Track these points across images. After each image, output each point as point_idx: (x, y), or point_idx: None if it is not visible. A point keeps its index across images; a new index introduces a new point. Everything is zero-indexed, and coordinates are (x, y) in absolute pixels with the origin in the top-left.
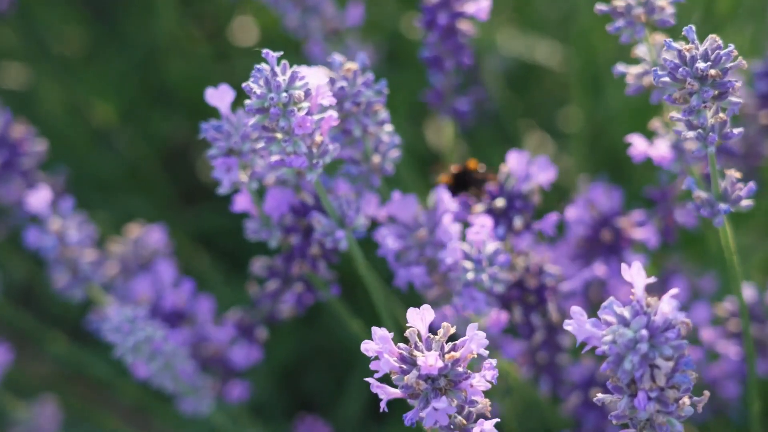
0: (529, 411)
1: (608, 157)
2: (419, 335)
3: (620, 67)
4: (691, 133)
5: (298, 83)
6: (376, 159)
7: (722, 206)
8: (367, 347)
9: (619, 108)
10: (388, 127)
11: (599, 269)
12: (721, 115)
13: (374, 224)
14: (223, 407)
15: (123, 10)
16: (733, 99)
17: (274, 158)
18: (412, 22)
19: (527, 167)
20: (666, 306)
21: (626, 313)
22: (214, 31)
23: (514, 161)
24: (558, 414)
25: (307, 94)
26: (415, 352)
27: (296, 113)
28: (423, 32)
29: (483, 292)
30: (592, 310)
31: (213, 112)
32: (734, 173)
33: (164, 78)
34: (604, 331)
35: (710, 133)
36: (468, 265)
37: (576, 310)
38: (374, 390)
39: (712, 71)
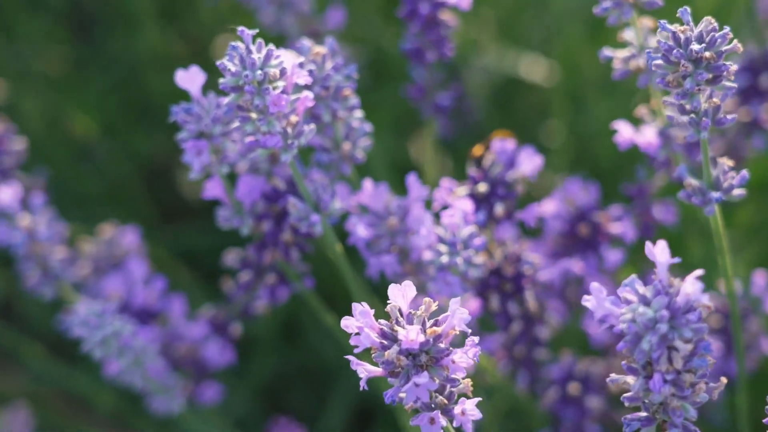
0: (510, 413)
1: (591, 173)
2: (400, 311)
3: (607, 51)
4: (684, 118)
5: (274, 62)
6: (346, 146)
7: (714, 194)
8: (348, 323)
9: (603, 123)
10: (358, 113)
11: (577, 265)
12: (714, 99)
13: (345, 216)
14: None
15: (105, 27)
16: (727, 83)
17: (249, 138)
18: (396, 37)
19: (513, 156)
20: (690, 287)
21: (648, 292)
22: (198, 50)
23: (500, 149)
24: (536, 410)
25: (283, 73)
26: (396, 327)
27: (271, 91)
28: (404, 23)
29: (457, 276)
30: (570, 309)
31: None
32: (726, 161)
33: (146, 95)
34: (623, 309)
35: (704, 118)
36: (442, 248)
37: (596, 286)
38: (354, 367)
39: (707, 53)
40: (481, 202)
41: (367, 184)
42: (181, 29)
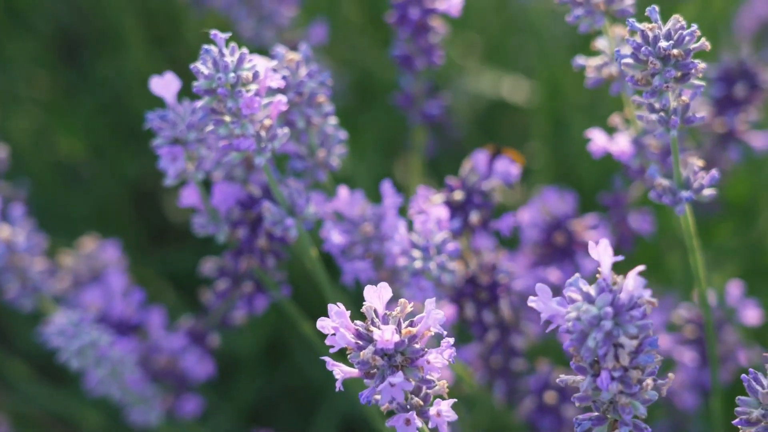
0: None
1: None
2: (376, 312)
3: (580, 60)
4: (653, 116)
5: (247, 65)
6: (321, 153)
7: (684, 194)
8: (323, 324)
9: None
10: (333, 120)
11: (553, 274)
12: (683, 98)
13: (320, 224)
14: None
15: (93, 52)
16: (696, 82)
17: (222, 142)
18: (383, 61)
19: (490, 165)
20: (632, 282)
21: (591, 290)
22: (185, 72)
23: (477, 159)
24: (514, 421)
25: (256, 76)
26: (372, 328)
27: (244, 94)
28: (394, 28)
29: (431, 282)
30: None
31: None
32: (697, 161)
33: (134, 119)
34: (569, 308)
35: (672, 116)
36: (415, 253)
37: (541, 287)
38: (330, 368)
39: (675, 51)
40: (457, 210)
41: (343, 191)
42: (168, 53)
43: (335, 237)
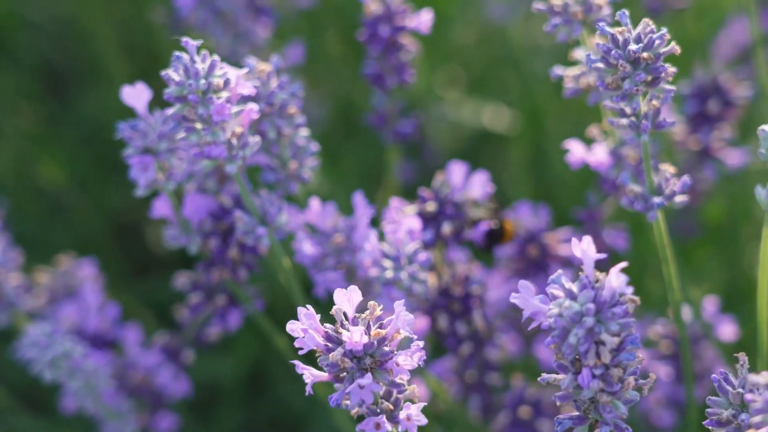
0: None
1: (554, 222)
2: (345, 315)
3: (558, 70)
4: (624, 121)
5: (218, 72)
6: (293, 165)
7: (656, 200)
8: (293, 327)
9: (565, 172)
10: (304, 132)
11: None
12: (654, 102)
13: (292, 237)
14: None
15: (78, 85)
16: (666, 86)
17: (194, 150)
18: (365, 91)
19: (464, 179)
20: (615, 279)
21: (574, 287)
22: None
23: (451, 171)
24: None
25: (227, 83)
26: (341, 330)
27: (215, 100)
28: (365, 46)
29: (402, 291)
30: (525, 340)
31: None
32: (668, 168)
33: (117, 152)
34: (551, 304)
35: (643, 121)
36: (386, 263)
37: (524, 284)
38: (299, 371)
39: (645, 54)
40: (430, 221)
41: (314, 202)
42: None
43: (307, 248)
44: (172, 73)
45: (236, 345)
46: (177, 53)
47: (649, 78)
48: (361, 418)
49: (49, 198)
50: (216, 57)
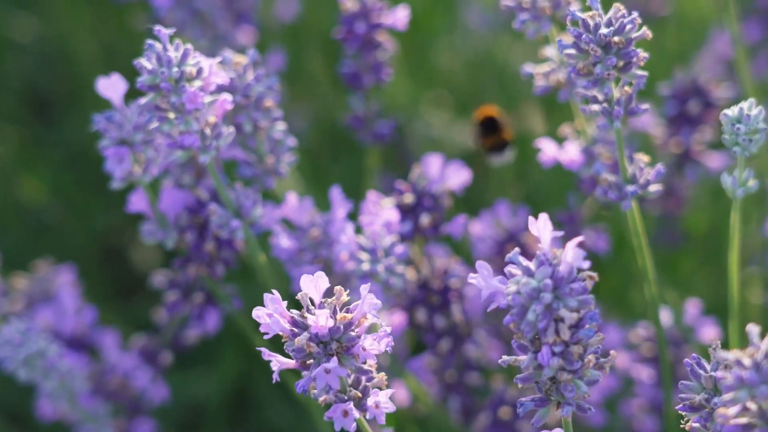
0: None
1: None
2: (312, 301)
3: (528, 67)
4: (596, 107)
5: (191, 60)
6: (270, 160)
7: (630, 188)
8: (259, 313)
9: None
10: (281, 126)
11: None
12: (626, 88)
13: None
14: None
15: (63, 107)
16: (638, 72)
17: (167, 140)
18: (347, 109)
19: (441, 170)
20: (571, 254)
21: (531, 265)
22: None
23: (428, 163)
24: None
25: (200, 71)
26: (307, 314)
27: (188, 88)
28: (342, 44)
29: (379, 284)
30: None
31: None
32: (642, 157)
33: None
34: (508, 282)
35: (615, 107)
36: (363, 256)
37: (481, 264)
38: (266, 358)
39: (616, 38)
40: (407, 213)
41: (291, 197)
42: None
43: (284, 241)
44: (145, 62)
45: (220, 363)
46: (150, 41)
47: (621, 63)
48: (329, 407)
49: (33, 219)
50: (189, 46)
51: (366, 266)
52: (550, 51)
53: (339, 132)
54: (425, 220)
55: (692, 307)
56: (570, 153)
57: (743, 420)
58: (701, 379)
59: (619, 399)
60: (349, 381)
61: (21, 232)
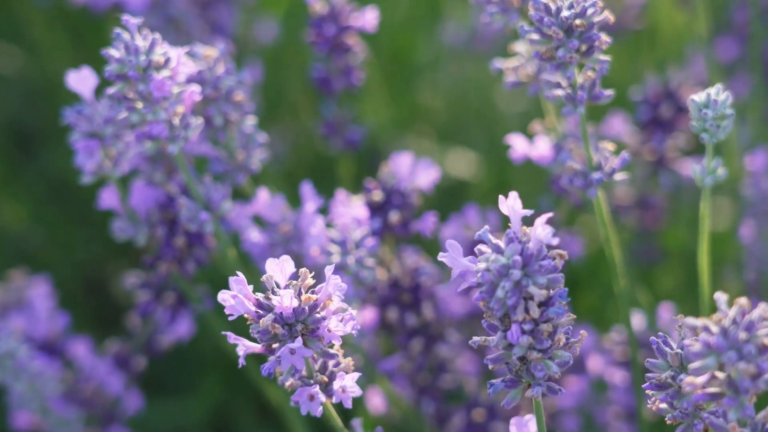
0: None
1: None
2: (277, 284)
3: (497, 63)
4: (559, 92)
5: (159, 50)
6: (241, 155)
7: (595, 175)
8: (224, 296)
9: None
10: (251, 120)
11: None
12: (589, 73)
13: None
14: None
15: (46, 141)
16: (601, 57)
17: (136, 131)
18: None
19: (410, 168)
20: (540, 231)
21: (501, 242)
22: None
23: (397, 161)
24: None
25: (168, 61)
26: (271, 296)
27: (155, 76)
28: (312, 48)
29: (349, 276)
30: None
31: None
32: (608, 146)
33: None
34: (478, 259)
35: (579, 92)
36: (333, 248)
37: (451, 243)
38: (231, 341)
39: (578, 21)
40: (377, 210)
41: (262, 193)
42: None
43: (254, 235)
44: (113, 51)
45: (200, 391)
46: (118, 31)
47: (584, 47)
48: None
49: (13, 247)
50: (158, 35)
51: (336, 258)
52: (519, 46)
53: (318, 157)
54: (394, 217)
55: (665, 310)
56: (540, 148)
57: (712, 389)
58: (667, 356)
59: (595, 406)
60: (316, 366)
61: (1, 263)
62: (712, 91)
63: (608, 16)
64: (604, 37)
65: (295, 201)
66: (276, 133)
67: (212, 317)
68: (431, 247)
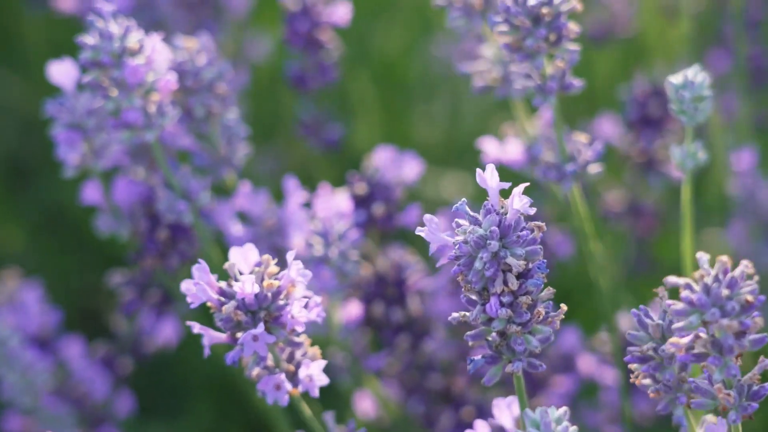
0: None
1: None
2: (240, 272)
3: (464, 67)
4: (529, 83)
5: (133, 36)
6: (223, 149)
7: (569, 167)
8: (187, 285)
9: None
10: (234, 112)
11: None
12: (559, 63)
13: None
14: None
15: (41, 174)
16: (570, 47)
17: (112, 120)
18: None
19: (394, 162)
20: (517, 201)
21: (479, 215)
22: None
23: (381, 155)
24: None
25: (142, 48)
26: (233, 283)
27: (129, 62)
28: (287, 45)
29: (333, 269)
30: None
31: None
32: (581, 137)
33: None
34: (456, 231)
35: (549, 82)
36: (315, 240)
37: (429, 217)
38: (196, 331)
39: (545, 10)
40: (361, 203)
41: (245, 186)
42: None
43: (236, 228)
44: (87, 38)
45: (191, 413)
46: (92, 17)
47: (552, 37)
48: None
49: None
50: (133, 22)
51: (318, 250)
52: (486, 51)
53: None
54: (378, 209)
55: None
56: (511, 152)
57: (696, 351)
58: (648, 328)
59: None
60: (283, 356)
61: None
62: (689, 72)
63: (576, 4)
64: (572, 26)
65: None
66: (271, 157)
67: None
68: (417, 246)
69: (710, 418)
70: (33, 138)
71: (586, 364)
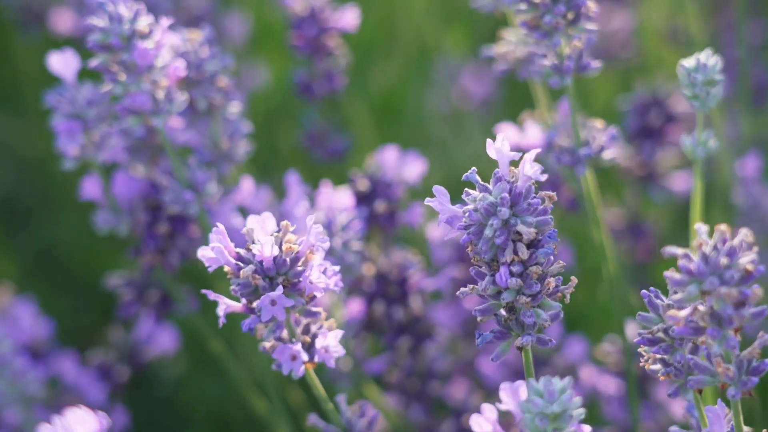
0: None
1: None
2: (257, 240)
3: (487, 50)
4: (546, 62)
5: (143, 20)
6: (225, 144)
7: (583, 151)
8: (204, 252)
9: None
10: (236, 106)
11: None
12: (576, 43)
13: None
14: None
15: (34, 210)
16: (588, 26)
17: (119, 106)
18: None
19: (396, 161)
20: (528, 168)
21: (489, 184)
22: None
23: (384, 154)
24: None
25: (152, 32)
26: (251, 246)
27: (139, 44)
28: (293, 52)
29: (335, 259)
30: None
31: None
32: (597, 123)
33: (72, 274)
34: (466, 199)
35: (566, 61)
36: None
37: (438, 188)
38: (212, 298)
39: None
40: (363, 200)
41: (247, 182)
42: None
43: (237, 222)
44: (96, 20)
45: None
46: (101, 0)
47: (570, 15)
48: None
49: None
50: (142, 6)
51: None
52: (508, 33)
53: None
54: (380, 206)
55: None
56: (530, 137)
57: (695, 323)
58: (659, 309)
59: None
60: (299, 330)
61: None
62: (701, 55)
63: None
64: (591, 4)
65: None
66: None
67: (198, 321)
68: (419, 248)
69: None
70: (29, 179)
71: (589, 374)
